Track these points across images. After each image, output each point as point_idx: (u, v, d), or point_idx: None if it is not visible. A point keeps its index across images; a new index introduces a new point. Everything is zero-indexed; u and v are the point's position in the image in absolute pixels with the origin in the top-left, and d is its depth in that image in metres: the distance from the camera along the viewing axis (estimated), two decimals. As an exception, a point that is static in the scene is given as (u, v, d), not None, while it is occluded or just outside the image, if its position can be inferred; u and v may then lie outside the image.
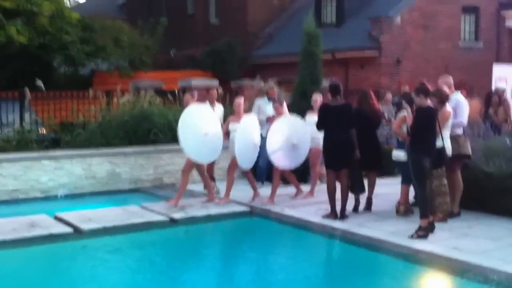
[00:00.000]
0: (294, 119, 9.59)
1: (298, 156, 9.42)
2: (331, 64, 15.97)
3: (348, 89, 16.13)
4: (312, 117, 9.41)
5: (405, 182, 8.11)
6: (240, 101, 9.69)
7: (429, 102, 7.25)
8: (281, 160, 9.21)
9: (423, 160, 7.15)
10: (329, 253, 7.33)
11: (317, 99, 9.72)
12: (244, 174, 9.76)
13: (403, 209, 8.25)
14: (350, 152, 8.13)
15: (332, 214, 8.14)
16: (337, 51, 17.83)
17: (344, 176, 8.22)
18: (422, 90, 7.22)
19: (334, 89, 8.34)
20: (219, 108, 10.46)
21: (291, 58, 15.79)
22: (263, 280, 6.59)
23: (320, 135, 8.74)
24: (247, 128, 9.18)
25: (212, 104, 10.31)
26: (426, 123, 7.17)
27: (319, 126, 8.42)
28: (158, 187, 10.85)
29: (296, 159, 9.44)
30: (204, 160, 9.21)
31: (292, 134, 9.22)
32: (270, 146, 9.09)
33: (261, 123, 10.70)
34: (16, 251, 7.14)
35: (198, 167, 9.22)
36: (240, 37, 21.34)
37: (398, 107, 7.98)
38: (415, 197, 8.20)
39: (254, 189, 9.55)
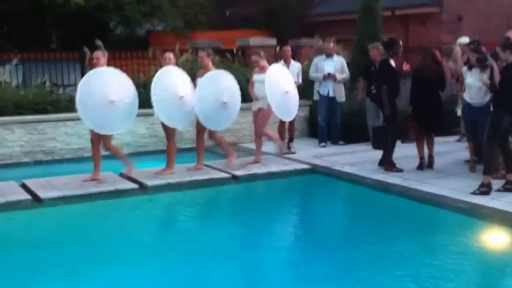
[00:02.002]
0: (224, 74, 8.75)
1: (228, 116, 8.67)
2: (390, 21, 15.58)
3: (408, 46, 15.76)
4: (259, 76, 8.94)
5: (471, 139, 8.22)
6: (169, 55, 8.54)
7: None
8: (210, 120, 8.50)
9: (504, 118, 7.05)
10: (390, 209, 7.29)
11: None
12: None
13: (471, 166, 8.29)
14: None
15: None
16: (397, 8, 17.34)
17: None
18: (509, 46, 7.03)
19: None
20: (296, 65, 10.26)
21: (349, 15, 15.51)
22: (327, 232, 6.73)
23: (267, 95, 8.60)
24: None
25: (286, 61, 10.17)
26: None
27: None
28: (219, 146, 10.90)
29: (227, 119, 8.71)
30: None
31: (222, 92, 8.46)
32: (199, 105, 8.32)
33: (317, 80, 10.63)
34: (84, 205, 7.38)
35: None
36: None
37: (483, 62, 7.78)
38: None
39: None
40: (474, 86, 7.94)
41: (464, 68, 8.24)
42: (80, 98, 7.60)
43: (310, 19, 20.80)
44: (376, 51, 9.78)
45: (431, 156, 8.60)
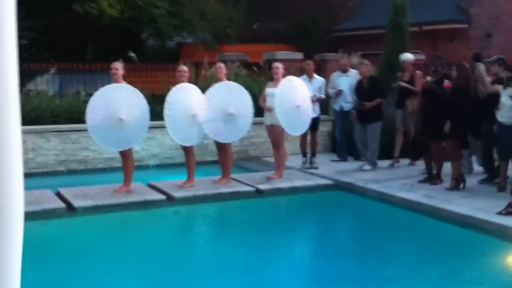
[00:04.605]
0: (234, 85, 8.79)
1: (236, 128, 8.61)
2: (418, 37, 15.67)
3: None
4: (271, 90, 8.91)
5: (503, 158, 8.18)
6: (183, 68, 8.64)
7: None
8: (216, 131, 8.51)
9: None
10: (415, 228, 7.33)
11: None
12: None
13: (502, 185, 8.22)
14: None
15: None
16: (424, 24, 17.45)
17: None
18: None
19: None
20: (319, 80, 10.24)
21: (376, 31, 15.66)
22: (353, 249, 6.85)
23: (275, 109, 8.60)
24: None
25: (309, 76, 10.17)
26: None
27: None
28: (244, 159, 11.13)
29: (235, 132, 8.65)
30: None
31: (229, 103, 8.44)
32: (203, 115, 8.35)
33: (332, 96, 10.77)
34: (115, 215, 7.65)
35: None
36: (324, 10, 21.20)
37: None
38: None
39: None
40: (504, 105, 7.86)
41: (500, 87, 8.12)
42: (91, 127, 7.84)
43: (338, 34, 20.99)
44: (364, 67, 9.79)
45: (461, 175, 8.50)
